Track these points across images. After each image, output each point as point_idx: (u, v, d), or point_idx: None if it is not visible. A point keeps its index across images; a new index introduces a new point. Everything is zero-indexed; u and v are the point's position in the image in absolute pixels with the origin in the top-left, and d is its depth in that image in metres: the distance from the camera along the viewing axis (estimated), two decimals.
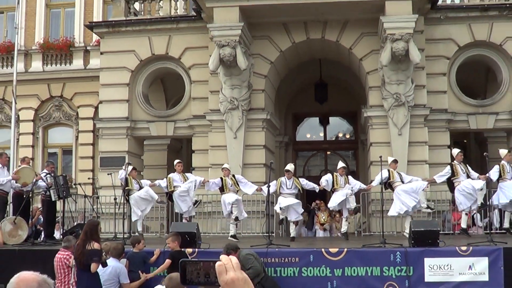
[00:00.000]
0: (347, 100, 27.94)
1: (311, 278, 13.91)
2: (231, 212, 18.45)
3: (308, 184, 19.00)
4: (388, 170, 17.88)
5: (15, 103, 24.25)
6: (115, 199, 18.88)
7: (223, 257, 3.32)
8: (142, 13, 24.58)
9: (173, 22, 23.61)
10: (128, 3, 24.35)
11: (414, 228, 14.27)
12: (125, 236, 17.36)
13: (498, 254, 13.51)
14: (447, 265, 13.53)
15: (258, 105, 22.40)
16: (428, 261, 13.60)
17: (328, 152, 30.50)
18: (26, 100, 28.38)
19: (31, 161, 22.68)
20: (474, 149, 27.43)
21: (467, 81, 23.64)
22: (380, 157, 16.56)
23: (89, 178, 23.40)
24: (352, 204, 18.56)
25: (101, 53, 24.58)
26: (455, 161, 18.26)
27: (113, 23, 24.12)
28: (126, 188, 18.30)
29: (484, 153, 16.90)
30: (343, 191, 18.25)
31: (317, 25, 22.39)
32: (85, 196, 20.79)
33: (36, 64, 29.16)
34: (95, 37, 27.29)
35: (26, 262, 14.26)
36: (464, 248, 13.65)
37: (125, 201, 18.49)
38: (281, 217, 19.76)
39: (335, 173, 18.74)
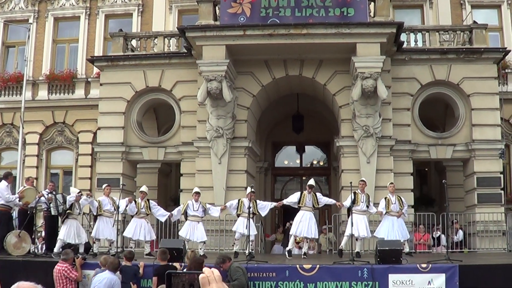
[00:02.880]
0: (322, 131, 27.98)
1: None
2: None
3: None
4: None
5: (23, 127, 24.30)
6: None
7: (206, 269, 3.31)
8: (138, 49, 24.59)
9: (166, 58, 23.63)
10: (126, 40, 24.36)
11: (380, 247, 14.31)
12: (118, 250, 17.25)
13: (454, 271, 13.62)
14: (409, 281, 13.56)
15: (241, 134, 22.39)
16: (392, 277, 13.63)
17: (304, 177, 30.44)
18: (32, 125, 28.30)
19: (35, 180, 22.50)
20: (434, 177, 27.51)
21: (428, 116, 23.77)
22: (351, 182, 16.71)
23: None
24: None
25: (101, 84, 24.53)
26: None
27: (112, 58, 24.11)
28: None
29: (443, 180, 16.92)
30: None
31: (295, 63, 22.48)
32: (83, 213, 20.62)
33: (42, 93, 29.06)
34: (95, 70, 27.26)
35: (29, 272, 14.20)
36: (424, 265, 13.70)
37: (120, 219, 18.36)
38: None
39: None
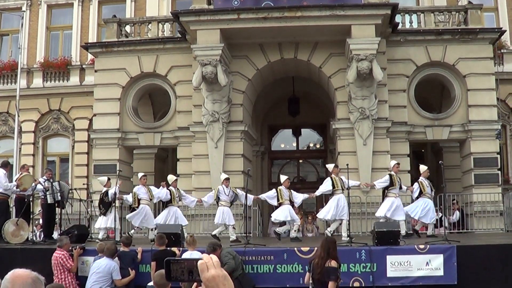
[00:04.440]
0: (317, 114, 27.95)
1: (285, 274, 13.92)
2: None
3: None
4: (331, 178, 17.71)
5: (18, 116, 24.19)
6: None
7: (204, 255, 3.28)
8: (133, 35, 24.47)
9: (160, 43, 23.52)
10: (120, 26, 24.22)
11: (377, 229, 14.32)
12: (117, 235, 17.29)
13: (452, 251, 13.63)
14: (407, 262, 13.58)
15: (237, 118, 22.35)
16: (390, 258, 13.65)
17: (300, 161, 30.47)
18: (28, 113, 28.26)
19: (30, 168, 22.48)
20: (431, 158, 27.51)
21: (424, 97, 23.74)
22: (347, 164, 16.63)
23: (84, 184, 23.32)
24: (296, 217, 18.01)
25: (95, 71, 24.43)
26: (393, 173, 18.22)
27: (106, 44, 24.00)
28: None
29: (440, 161, 16.95)
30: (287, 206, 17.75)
31: (290, 46, 22.40)
32: (80, 200, 20.67)
33: (37, 81, 29.00)
34: (90, 57, 27.17)
35: (27, 260, 14.16)
36: (422, 246, 13.72)
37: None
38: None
39: (279, 187, 18.00)
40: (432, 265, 13.53)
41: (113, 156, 23.34)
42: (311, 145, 30.71)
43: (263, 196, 18.42)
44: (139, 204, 18.02)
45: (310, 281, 10.43)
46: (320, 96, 26.31)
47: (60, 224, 18.56)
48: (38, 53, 29.25)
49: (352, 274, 13.68)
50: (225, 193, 17.89)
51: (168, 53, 23.52)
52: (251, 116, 24.87)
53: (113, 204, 17.95)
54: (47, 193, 17.28)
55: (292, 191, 18.14)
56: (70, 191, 20.05)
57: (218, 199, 17.95)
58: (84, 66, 28.68)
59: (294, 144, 30.39)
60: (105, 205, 18.09)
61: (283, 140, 30.52)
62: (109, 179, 18.68)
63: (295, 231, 17.99)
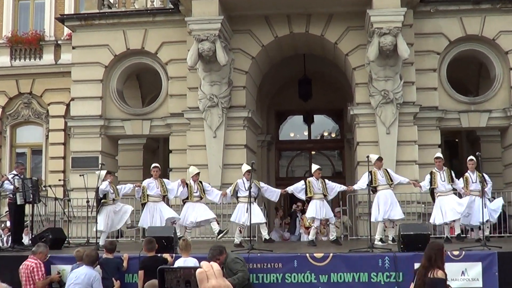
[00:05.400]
0: (333, 97, 27.94)
1: (295, 285, 13.86)
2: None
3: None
4: (370, 172, 17.46)
5: None
6: (87, 201, 18.82)
7: (204, 263, 3.29)
8: (117, 5, 24.46)
9: (149, 15, 23.49)
10: None
11: (403, 232, 14.24)
12: (98, 241, 17.26)
13: (492, 259, 13.47)
14: None
15: (238, 103, 22.35)
16: (418, 267, 13.59)
17: (313, 152, 30.49)
18: None
19: None
20: (466, 149, 27.46)
21: (458, 77, 23.70)
22: (367, 157, 16.57)
23: (60, 180, 23.28)
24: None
25: (73, 48, 24.38)
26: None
27: (85, 16, 23.94)
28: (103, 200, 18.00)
29: (477, 153, 16.81)
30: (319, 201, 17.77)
31: (300, 19, 22.35)
32: (56, 198, 20.60)
33: (4, 59, 28.92)
34: (66, 31, 27.11)
35: None
36: (456, 252, 13.61)
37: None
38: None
39: (308, 179, 18.06)
40: (468, 274, 13.43)
41: (95, 147, 23.37)
42: (325, 134, 30.75)
43: (290, 188, 18.23)
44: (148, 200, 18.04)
45: None
46: (336, 77, 26.29)
47: (31, 227, 18.57)
48: (4, 27, 29.20)
49: (374, 284, 13.61)
50: (245, 188, 17.62)
51: (158, 27, 23.48)
52: (256, 100, 24.87)
53: (103, 201, 17.78)
54: (17, 192, 17.19)
55: (326, 181, 18.11)
56: (44, 188, 20.04)
57: (236, 194, 17.94)
58: (59, 42, 28.63)
59: (306, 133, 30.41)
60: (97, 203, 17.97)
61: (293, 129, 30.56)
62: (109, 172, 18.49)
63: (311, 234, 18.01)
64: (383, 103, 21.18)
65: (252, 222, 16.75)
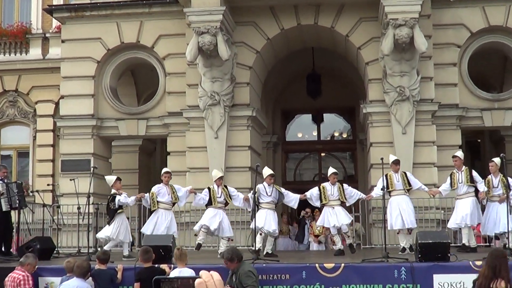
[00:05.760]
0: (344, 94, 27.97)
1: None
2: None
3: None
4: (386, 176, 17.51)
5: None
6: (78, 208, 18.83)
7: (203, 273, 3.31)
8: None
9: (145, 6, 23.53)
10: None
11: (421, 240, 14.21)
12: (90, 251, 17.25)
13: None
14: (460, 283, 13.46)
15: (242, 101, 22.39)
16: (437, 278, 13.55)
17: (323, 154, 30.51)
18: None
19: None
20: (489, 150, 27.48)
21: (481, 72, 23.71)
22: (382, 159, 16.51)
23: (48, 185, 23.23)
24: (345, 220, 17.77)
25: (62, 41, 24.46)
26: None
27: (76, 7, 24.03)
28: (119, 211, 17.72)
29: (501, 154, 16.76)
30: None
31: (309, 9, 22.39)
32: (44, 205, 20.56)
33: None
34: (55, 23, 27.20)
35: None
36: (479, 263, 13.51)
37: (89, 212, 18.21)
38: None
39: (322, 185, 18.01)
40: None
41: (86, 149, 23.43)
42: (336, 134, 30.80)
43: (308, 194, 18.05)
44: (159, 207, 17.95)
45: None
46: (347, 73, 26.31)
47: (18, 235, 18.57)
48: None
49: None
50: (267, 194, 17.53)
51: (155, 18, 23.55)
52: (260, 98, 24.90)
53: (119, 211, 17.68)
54: (1, 198, 17.18)
55: (345, 186, 18.02)
56: (31, 194, 20.03)
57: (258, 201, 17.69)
58: (47, 35, 28.64)
59: (315, 133, 30.46)
60: (110, 212, 17.88)
61: (301, 128, 30.60)
62: (119, 179, 18.40)
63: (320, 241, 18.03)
64: (398, 101, 21.20)
65: (270, 230, 17.12)
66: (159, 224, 17.61)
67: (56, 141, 26.88)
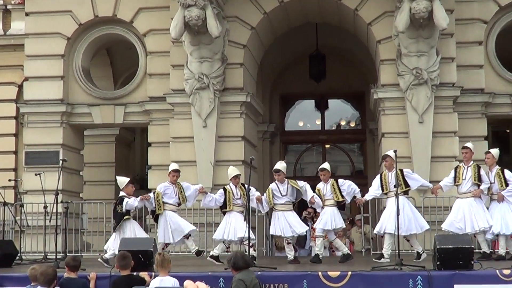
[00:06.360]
0: (352, 77, 28.03)
1: None
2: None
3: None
4: (381, 175, 17.63)
5: None
6: (45, 207, 18.76)
7: (188, 283, 3.26)
8: None
9: None
10: None
11: (440, 246, 14.20)
12: (58, 256, 17.23)
13: None
14: None
15: (234, 84, 22.40)
16: None
17: (327, 146, 30.55)
18: None
19: None
20: None
21: (510, 52, 23.67)
22: (395, 151, 16.45)
23: (10, 180, 23.23)
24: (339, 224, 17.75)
25: (27, 14, 24.41)
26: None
27: None
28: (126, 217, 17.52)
29: None
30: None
31: None
32: (5, 203, 20.58)
33: None
34: None
35: None
36: (507, 272, 13.61)
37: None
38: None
39: (317, 187, 18.06)
40: None
41: (54, 140, 23.42)
42: (343, 123, 30.88)
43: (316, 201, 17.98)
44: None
45: None
46: (356, 52, 26.36)
47: None
48: None
49: None
50: (281, 194, 17.49)
51: None
52: (256, 81, 24.91)
53: (126, 217, 17.55)
54: None
55: (340, 182, 17.96)
56: None
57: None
58: (9, 7, 28.54)
59: (318, 122, 30.51)
60: (117, 217, 17.76)
61: (302, 116, 30.66)
62: (131, 182, 18.19)
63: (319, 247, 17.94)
64: (415, 85, 21.19)
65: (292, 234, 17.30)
66: (173, 228, 17.52)
67: (19, 130, 26.86)
